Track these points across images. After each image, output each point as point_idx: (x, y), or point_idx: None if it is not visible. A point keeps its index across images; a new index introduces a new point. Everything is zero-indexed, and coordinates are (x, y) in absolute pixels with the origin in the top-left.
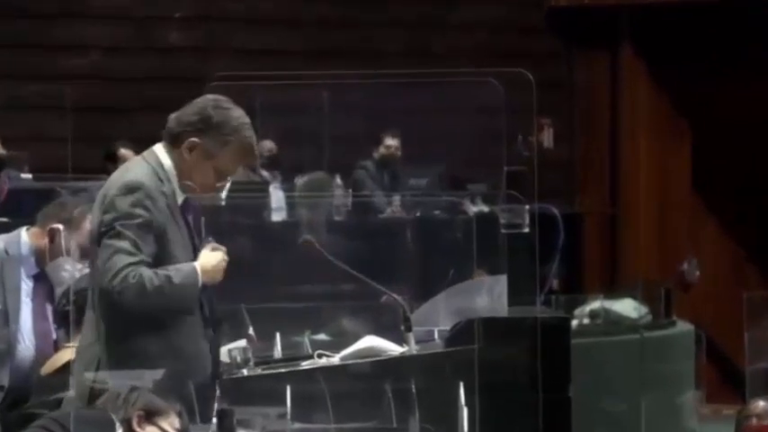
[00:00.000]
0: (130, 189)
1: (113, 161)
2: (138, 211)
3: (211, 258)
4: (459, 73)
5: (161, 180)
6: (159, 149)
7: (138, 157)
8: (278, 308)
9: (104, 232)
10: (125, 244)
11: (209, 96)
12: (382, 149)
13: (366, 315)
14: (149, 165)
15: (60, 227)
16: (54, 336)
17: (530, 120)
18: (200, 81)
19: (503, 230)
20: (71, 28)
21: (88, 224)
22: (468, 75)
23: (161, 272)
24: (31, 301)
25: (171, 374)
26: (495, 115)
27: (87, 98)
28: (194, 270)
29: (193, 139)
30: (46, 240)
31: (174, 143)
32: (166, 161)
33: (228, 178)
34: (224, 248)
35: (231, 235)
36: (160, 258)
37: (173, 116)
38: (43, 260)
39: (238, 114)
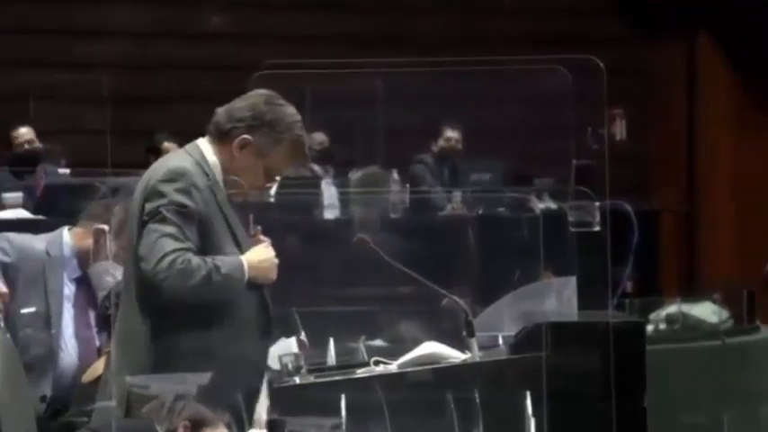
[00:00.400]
0: (175, 176)
1: (156, 155)
2: (183, 198)
3: (257, 254)
4: (523, 60)
5: (206, 174)
6: (203, 144)
7: (181, 150)
8: (331, 312)
9: (148, 219)
10: (171, 229)
11: (261, 91)
12: (442, 142)
13: (425, 319)
14: (192, 157)
15: (106, 227)
16: (97, 342)
17: (600, 110)
18: (242, 69)
19: (572, 229)
20: (103, 12)
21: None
22: (533, 62)
23: (208, 260)
24: (73, 306)
25: (213, 379)
26: (562, 105)
27: (121, 87)
28: (241, 263)
29: (245, 136)
30: (90, 241)
31: (222, 139)
32: (211, 156)
33: (276, 178)
34: (269, 240)
35: (281, 233)
36: (205, 251)
37: (221, 110)
38: (86, 262)
39: (291, 111)
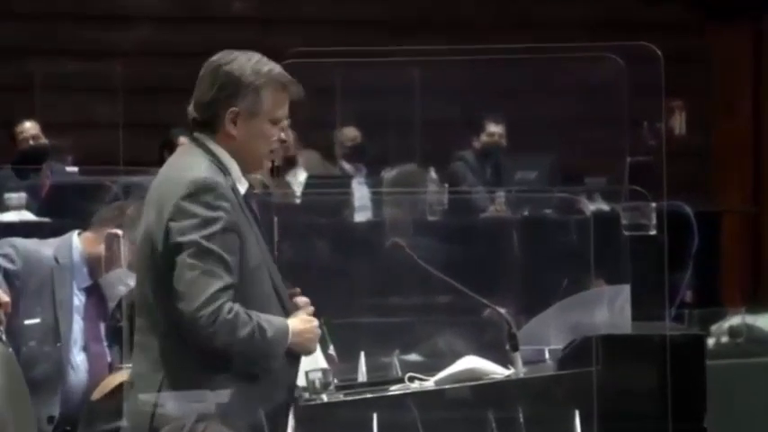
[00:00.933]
0: (200, 190)
1: (171, 151)
2: (215, 214)
3: (302, 322)
4: (573, 47)
5: (222, 171)
6: (204, 138)
7: (189, 151)
8: (362, 323)
9: (180, 245)
10: (213, 266)
11: (209, 61)
12: (484, 137)
13: (465, 332)
14: (206, 157)
15: (119, 232)
16: (108, 357)
17: (657, 102)
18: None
19: (626, 232)
20: None
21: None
22: (584, 49)
23: (255, 318)
24: (83, 318)
25: (246, 397)
26: (616, 97)
27: (135, 77)
28: (287, 331)
29: (231, 109)
30: (101, 247)
31: (212, 129)
32: (217, 148)
33: (286, 121)
34: (308, 302)
35: (308, 237)
36: (239, 262)
37: (190, 108)
38: (98, 270)
39: (247, 57)
